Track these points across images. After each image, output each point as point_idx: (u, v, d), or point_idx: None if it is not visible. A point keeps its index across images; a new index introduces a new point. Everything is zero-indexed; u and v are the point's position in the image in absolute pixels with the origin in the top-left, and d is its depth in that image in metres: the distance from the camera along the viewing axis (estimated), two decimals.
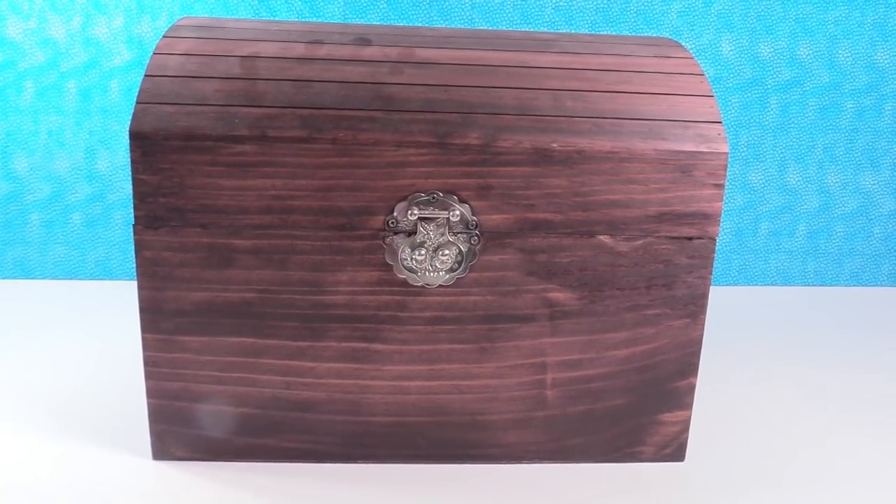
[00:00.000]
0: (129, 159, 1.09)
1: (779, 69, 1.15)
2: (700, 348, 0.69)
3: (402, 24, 1.09)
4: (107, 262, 1.12)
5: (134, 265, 1.12)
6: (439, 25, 1.10)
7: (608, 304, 0.67)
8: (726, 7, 1.12)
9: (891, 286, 1.24)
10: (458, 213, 0.64)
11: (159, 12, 1.06)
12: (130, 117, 1.08)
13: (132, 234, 1.10)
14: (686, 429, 0.71)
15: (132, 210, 1.11)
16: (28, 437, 0.71)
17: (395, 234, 0.64)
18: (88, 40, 1.06)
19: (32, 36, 1.05)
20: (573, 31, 1.11)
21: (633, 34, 1.12)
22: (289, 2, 1.07)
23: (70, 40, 1.05)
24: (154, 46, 1.06)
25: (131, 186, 1.10)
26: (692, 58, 0.72)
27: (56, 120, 1.07)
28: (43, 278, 1.12)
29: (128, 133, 1.08)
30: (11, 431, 0.72)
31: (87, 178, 1.09)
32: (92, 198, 1.10)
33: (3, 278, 1.11)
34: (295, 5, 1.07)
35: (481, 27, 1.10)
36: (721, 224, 0.67)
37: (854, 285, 1.24)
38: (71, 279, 1.12)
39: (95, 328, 0.96)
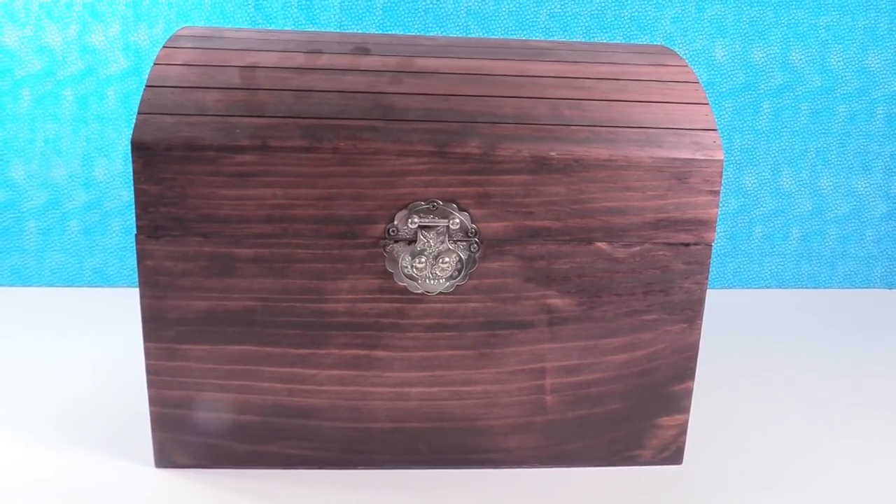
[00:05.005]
0: (126, 167, 1.09)
1: (771, 74, 1.16)
2: (697, 352, 0.70)
3: (399, 33, 1.10)
4: (104, 270, 1.13)
5: (131, 272, 1.12)
6: (435, 32, 1.10)
7: (606, 310, 0.68)
8: (719, 13, 1.13)
9: (883, 288, 1.26)
10: (457, 221, 0.65)
11: (156, 20, 1.06)
12: (127, 125, 1.08)
13: (134, 243, 1.11)
14: (684, 432, 0.72)
15: (130, 217, 1.11)
16: (29, 445, 0.72)
17: (396, 242, 0.65)
18: (85, 48, 1.06)
19: (29, 44, 1.05)
20: (568, 38, 1.12)
21: (627, 40, 1.12)
22: (285, 9, 1.08)
23: (67, 48, 1.06)
24: (151, 54, 1.06)
25: (129, 194, 1.10)
26: (687, 66, 0.72)
27: (53, 127, 1.08)
28: (40, 286, 1.12)
29: (124, 141, 1.09)
30: (12, 439, 0.73)
31: (85, 186, 1.10)
32: (89, 205, 1.10)
33: (1, 286, 1.11)
34: (291, 13, 1.08)
35: (476, 34, 1.11)
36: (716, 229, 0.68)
37: (847, 287, 1.25)
38: (68, 286, 1.12)
39: (94, 335, 0.96)
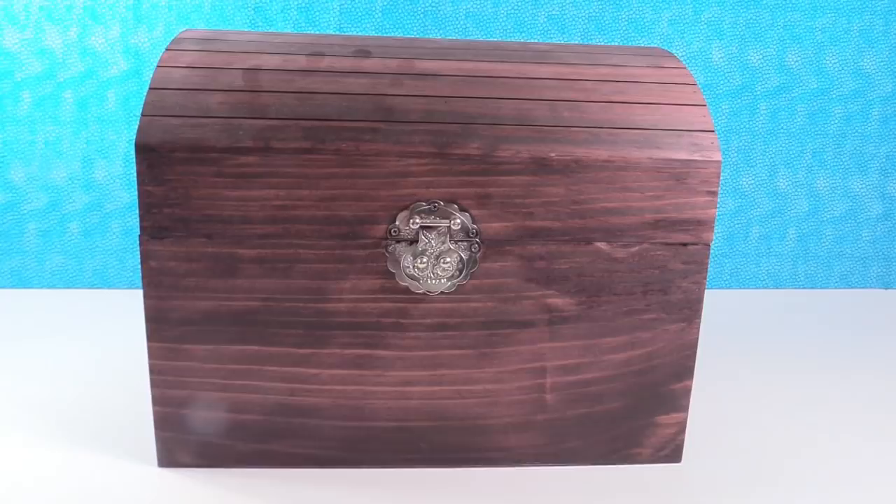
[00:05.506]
0: (126, 169, 1.10)
1: (768, 76, 1.17)
2: (695, 351, 0.71)
3: (399, 35, 1.10)
4: (104, 271, 1.13)
5: (131, 274, 1.13)
6: (434, 34, 1.11)
7: (605, 310, 0.69)
8: (716, 15, 1.14)
9: (879, 288, 1.27)
10: (458, 221, 0.65)
11: (156, 23, 1.06)
12: (127, 127, 1.09)
13: (134, 244, 1.11)
14: (682, 430, 0.73)
15: (130, 219, 1.12)
16: (31, 446, 0.72)
17: (398, 242, 0.66)
18: (85, 50, 1.06)
19: (29, 46, 1.05)
20: (566, 40, 1.12)
21: (625, 42, 1.13)
22: (285, 12, 1.08)
23: (67, 50, 1.06)
24: (151, 56, 1.07)
25: (129, 196, 1.11)
26: (685, 68, 0.73)
27: (53, 130, 1.08)
28: (41, 287, 1.12)
29: (124, 143, 1.09)
30: (14, 440, 0.73)
31: (85, 188, 1.10)
32: (89, 207, 1.11)
33: (1, 288, 1.11)
34: (291, 15, 1.08)
35: (475, 36, 1.11)
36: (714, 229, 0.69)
37: (843, 287, 1.26)
38: (69, 288, 1.13)
39: (94, 337, 0.96)
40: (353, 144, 0.63)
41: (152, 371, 0.67)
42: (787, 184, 1.21)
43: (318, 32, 1.09)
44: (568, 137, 0.66)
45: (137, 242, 0.81)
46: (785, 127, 1.19)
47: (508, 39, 1.12)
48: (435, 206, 0.65)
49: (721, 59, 1.15)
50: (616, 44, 1.13)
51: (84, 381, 0.85)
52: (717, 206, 1.18)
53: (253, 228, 0.64)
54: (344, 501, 0.66)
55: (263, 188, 0.63)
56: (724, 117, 1.17)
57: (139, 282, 1.09)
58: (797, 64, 1.17)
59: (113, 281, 1.14)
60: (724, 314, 1.11)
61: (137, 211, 0.63)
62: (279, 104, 0.65)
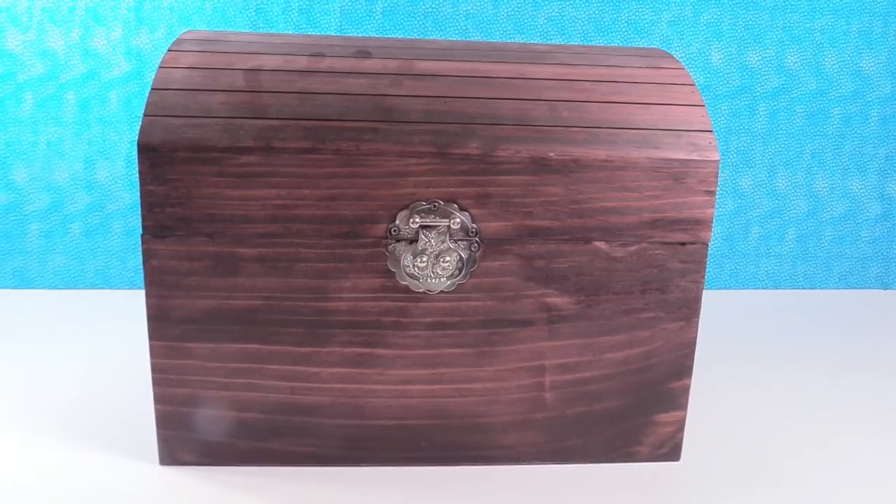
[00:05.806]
0: (127, 169, 1.10)
1: (767, 77, 1.17)
2: (694, 350, 0.71)
3: (399, 37, 1.11)
4: (106, 272, 1.14)
5: (133, 274, 1.13)
6: (434, 36, 1.11)
7: (604, 308, 0.69)
8: (715, 17, 1.14)
9: (878, 289, 1.27)
10: (458, 220, 0.66)
11: (157, 24, 1.07)
12: (129, 128, 1.09)
13: (135, 245, 1.12)
14: (681, 429, 0.73)
15: (131, 219, 1.12)
16: (32, 444, 0.72)
17: (397, 241, 0.66)
18: (87, 52, 1.07)
19: (32, 48, 1.06)
20: (566, 41, 1.13)
21: (625, 44, 1.14)
22: (286, 13, 1.09)
23: (69, 52, 1.07)
24: (152, 58, 1.07)
25: (130, 196, 1.11)
26: (683, 68, 0.74)
27: (55, 131, 1.08)
28: (42, 288, 1.13)
29: (126, 144, 1.10)
30: (16, 439, 0.73)
31: (87, 188, 1.11)
32: (91, 207, 1.11)
33: (3, 288, 1.12)
34: (292, 17, 1.09)
35: (475, 37, 1.12)
36: (712, 229, 0.69)
37: (843, 288, 1.26)
38: (70, 288, 1.13)
39: (95, 337, 0.96)
40: (353, 144, 0.64)
41: (154, 369, 0.67)
42: (786, 184, 1.21)
43: (318, 34, 1.09)
44: (567, 137, 0.66)
45: (139, 243, 0.82)
46: (784, 128, 1.19)
47: (508, 41, 1.12)
48: (435, 206, 0.65)
49: (720, 61, 1.16)
50: (615, 45, 1.13)
51: (85, 380, 0.85)
52: (716, 206, 1.18)
53: (254, 228, 0.65)
54: (344, 499, 0.67)
55: (264, 188, 0.64)
56: (723, 118, 1.18)
57: (141, 282, 1.10)
58: (796, 65, 1.17)
59: (114, 281, 1.14)
60: (724, 314, 1.11)
61: (139, 211, 0.64)
62: (280, 104, 0.65)
